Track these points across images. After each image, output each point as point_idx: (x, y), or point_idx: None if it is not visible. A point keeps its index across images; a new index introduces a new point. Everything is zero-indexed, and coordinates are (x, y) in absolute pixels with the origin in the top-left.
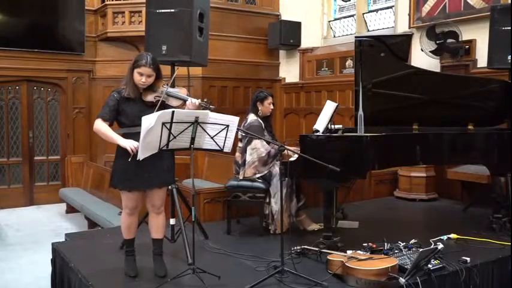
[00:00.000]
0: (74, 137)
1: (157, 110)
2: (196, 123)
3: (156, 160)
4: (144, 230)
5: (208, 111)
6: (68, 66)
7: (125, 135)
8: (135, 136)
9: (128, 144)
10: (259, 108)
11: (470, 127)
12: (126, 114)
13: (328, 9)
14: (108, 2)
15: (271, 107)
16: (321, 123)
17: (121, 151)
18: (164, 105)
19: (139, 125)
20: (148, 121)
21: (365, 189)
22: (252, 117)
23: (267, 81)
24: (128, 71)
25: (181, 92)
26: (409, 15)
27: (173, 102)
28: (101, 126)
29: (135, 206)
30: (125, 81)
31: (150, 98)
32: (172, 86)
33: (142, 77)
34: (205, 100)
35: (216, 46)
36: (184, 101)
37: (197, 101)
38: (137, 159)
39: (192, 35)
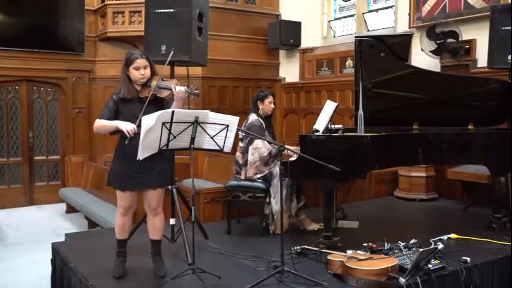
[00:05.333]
0: (74, 137)
1: (147, 104)
2: (196, 123)
3: (147, 162)
4: (144, 229)
5: (208, 111)
6: (67, 66)
7: (123, 137)
8: (134, 137)
9: (124, 126)
10: (260, 107)
11: (470, 127)
12: (123, 115)
13: (328, 9)
14: (108, 2)
15: (272, 106)
16: (321, 123)
17: (119, 153)
18: (155, 97)
19: (136, 125)
20: (148, 121)
21: (365, 189)
22: (253, 117)
23: (267, 81)
24: (121, 72)
25: (171, 82)
26: (409, 15)
27: (163, 93)
28: (98, 122)
29: (129, 207)
30: (120, 83)
31: (145, 93)
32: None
33: (140, 70)
34: (190, 87)
35: (216, 46)
36: (170, 89)
37: (182, 88)
38: (137, 159)
39: (191, 35)
